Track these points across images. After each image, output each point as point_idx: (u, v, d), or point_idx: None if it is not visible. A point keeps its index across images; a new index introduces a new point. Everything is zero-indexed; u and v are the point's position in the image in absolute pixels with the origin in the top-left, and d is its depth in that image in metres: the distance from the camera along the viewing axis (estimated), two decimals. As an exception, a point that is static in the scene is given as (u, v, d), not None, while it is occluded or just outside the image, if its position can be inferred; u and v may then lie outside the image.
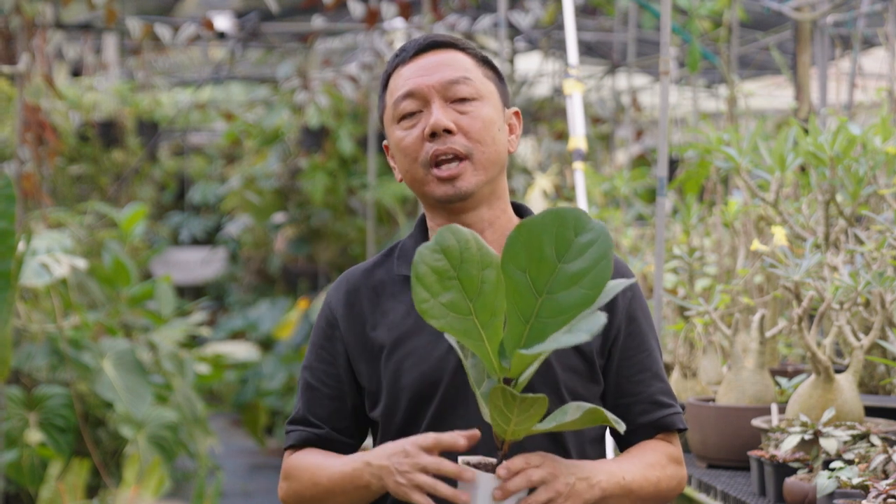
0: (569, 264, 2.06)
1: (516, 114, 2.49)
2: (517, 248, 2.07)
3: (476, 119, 2.37)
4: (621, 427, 2.14)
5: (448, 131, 2.35)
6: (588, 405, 2.11)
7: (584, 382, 2.38)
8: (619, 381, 2.41)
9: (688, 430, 2.48)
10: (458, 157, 2.35)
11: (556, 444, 2.35)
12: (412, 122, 2.38)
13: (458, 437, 2.18)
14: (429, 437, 2.20)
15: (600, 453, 2.45)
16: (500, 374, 2.10)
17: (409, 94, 2.38)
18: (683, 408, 4.05)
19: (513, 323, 2.09)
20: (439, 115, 2.35)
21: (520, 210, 2.51)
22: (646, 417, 2.41)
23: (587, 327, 2.02)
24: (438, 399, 2.34)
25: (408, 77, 2.39)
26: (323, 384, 2.45)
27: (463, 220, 2.39)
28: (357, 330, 2.43)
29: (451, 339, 2.16)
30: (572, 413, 2.12)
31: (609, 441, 4.55)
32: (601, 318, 2.03)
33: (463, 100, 2.37)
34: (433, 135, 2.35)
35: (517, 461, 2.15)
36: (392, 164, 2.46)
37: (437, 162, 2.35)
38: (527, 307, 2.08)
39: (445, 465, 2.16)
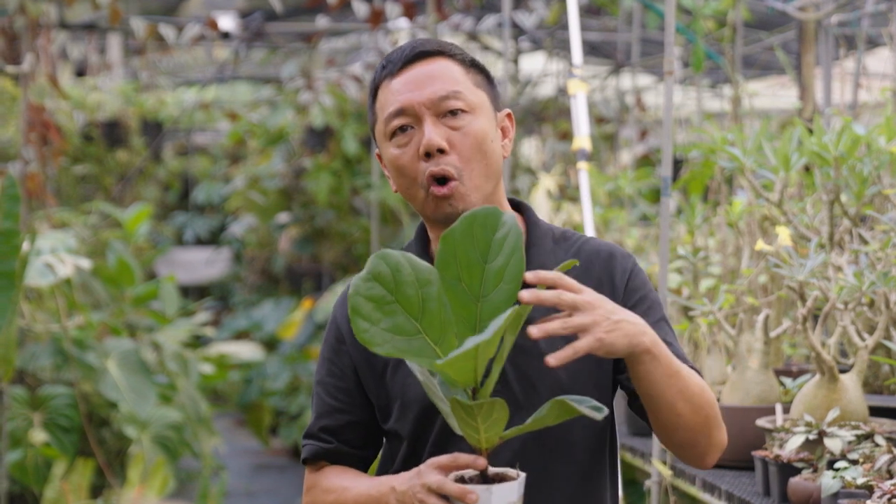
0: (491, 263, 2.09)
1: (508, 116, 2.47)
2: (448, 258, 2.09)
3: (468, 135, 2.35)
4: (599, 415, 2.07)
5: (441, 150, 2.33)
6: (555, 399, 2.07)
7: (594, 358, 2.34)
8: None
9: None
10: (451, 178, 2.34)
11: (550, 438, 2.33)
12: (405, 140, 2.36)
13: (479, 458, 2.14)
14: (445, 457, 2.17)
15: (610, 444, 2.43)
16: (471, 385, 2.10)
17: (400, 112, 2.36)
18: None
19: (461, 332, 2.10)
20: (432, 134, 2.33)
21: (519, 207, 2.50)
22: None
23: None
24: (443, 418, 2.33)
25: (397, 91, 2.37)
26: (333, 398, 2.45)
27: None
28: (362, 345, 2.42)
29: (413, 365, 2.16)
30: (539, 411, 2.11)
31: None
32: None
33: (455, 113, 2.35)
34: (427, 154, 2.34)
35: (549, 274, 2.07)
36: (386, 173, 2.44)
37: (432, 183, 2.34)
38: (470, 314, 2.09)
39: (447, 486, 2.12)
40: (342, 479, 2.39)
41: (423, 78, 2.37)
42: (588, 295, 2.08)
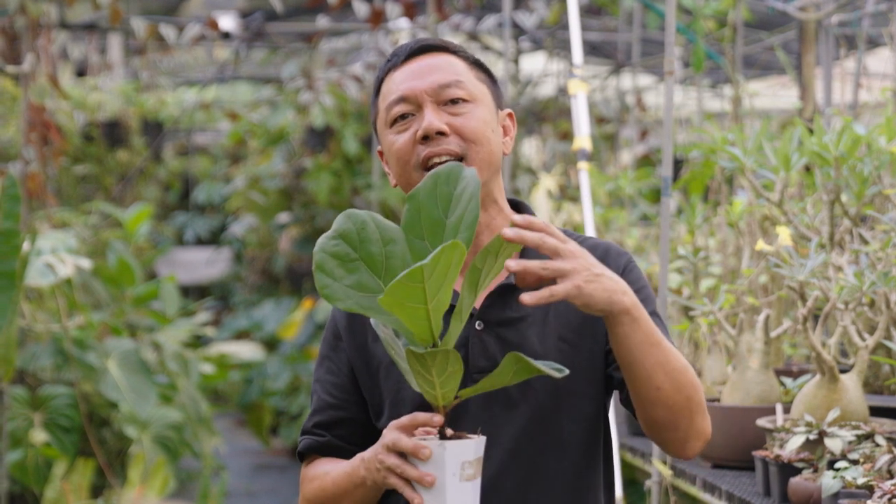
0: (451, 218, 2.10)
1: (510, 115, 2.48)
2: (413, 218, 2.10)
3: (469, 120, 2.36)
4: (558, 374, 2.07)
5: (441, 133, 2.34)
6: (512, 354, 2.07)
7: (587, 354, 2.34)
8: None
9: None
10: (452, 157, 2.34)
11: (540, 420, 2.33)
12: (405, 126, 2.38)
13: (435, 415, 2.14)
14: (405, 417, 2.17)
15: (597, 435, 2.42)
16: (425, 343, 2.10)
17: (402, 99, 2.38)
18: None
19: None
20: (431, 117, 2.34)
21: (518, 207, 2.50)
22: None
23: None
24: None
25: (400, 81, 2.39)
26: (329, 395, 2.47)
27: None
28: (359, 342, 2.44)
29: (376, 323, 2.17)
30: (497, 369, 2.11)
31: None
32: None
33: (455, 102, 2.37)
34: (426, 138, 2.34)
35: (538, 221, 2.07)
36: (387, 169, 2.46)
37: (430, 164, 2.34)
38: None
39: (402, 442, 2.13)
40: (325, 466, 2.42)
41: (426, 68, 2.39)
42: (572, 245, 2.08)
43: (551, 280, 2.07)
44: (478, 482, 2.12)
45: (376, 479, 2.20)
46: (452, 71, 2.39)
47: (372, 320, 2.18)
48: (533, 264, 2.04)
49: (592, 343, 2.35)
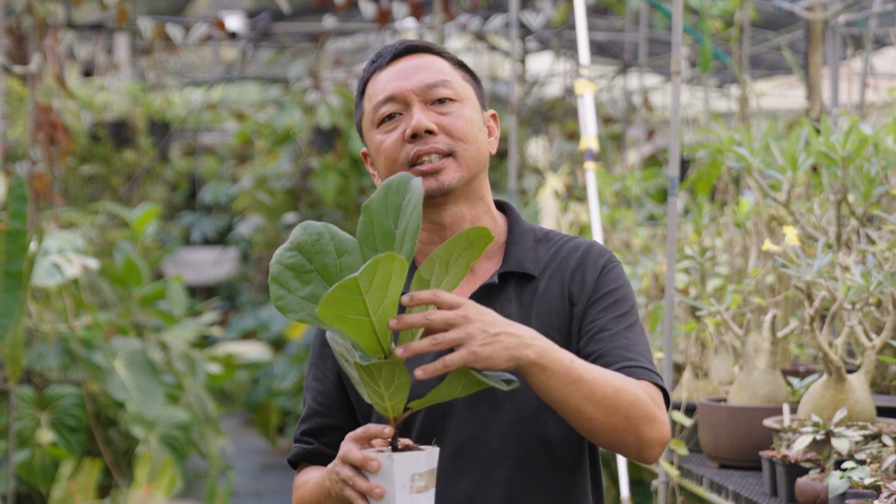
0: (399, 228, 2.08)
1: (493, 116, 2.50)
2: (367, 229, 2.10)
3: (457, 119, 2.37)
4: (507, 386, 2.06)
5: (429, 132, 2.35)
6: (460, 368, 2.05)
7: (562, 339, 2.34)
8: (583, 342, 2.34)
9: (666, 392, 2.32)
10: (441, 155, 2.35)
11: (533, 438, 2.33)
12: (392, 126, 2.38)
13: (385, 427, 2.11)
14: (359, 429, 2.16)
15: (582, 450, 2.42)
16: (377, 355, 2.08)
17: (390, 99, 2.38)
18: (694, 409, 4.05)
19: None
20: (420, 116, 2.35)
21: (504, 208, 2.51)
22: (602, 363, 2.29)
23: None
24: (424, 413, 2.34)
25: (386, 82, 2.40)
26: (316, 402, 2.48)
27: (443, 219, 2.39)
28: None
29: (330, 335, 2.16)
30: (445, 382, 2.09)
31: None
32: None
33: (443, 101, 2.38)
34: (414, 136, 2.35)
35: (424, 294, 2.04)
36: (371, 171, 2.46)
37: (418, 162, 2.35)
38: None
39: (351, 454, 2.11)
40: (307, 475, 2.42)
41: (412, 68, 2.41)
42: (466, 310, 2.05)
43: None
44: (430, 493, 2.10)
45: (336, 490, 2.18)
46: (438, 71, 2.40)
47: (328, 334, 2.17)
48: (422, 344, 2.02)
49: (576, 342, 2.36)
